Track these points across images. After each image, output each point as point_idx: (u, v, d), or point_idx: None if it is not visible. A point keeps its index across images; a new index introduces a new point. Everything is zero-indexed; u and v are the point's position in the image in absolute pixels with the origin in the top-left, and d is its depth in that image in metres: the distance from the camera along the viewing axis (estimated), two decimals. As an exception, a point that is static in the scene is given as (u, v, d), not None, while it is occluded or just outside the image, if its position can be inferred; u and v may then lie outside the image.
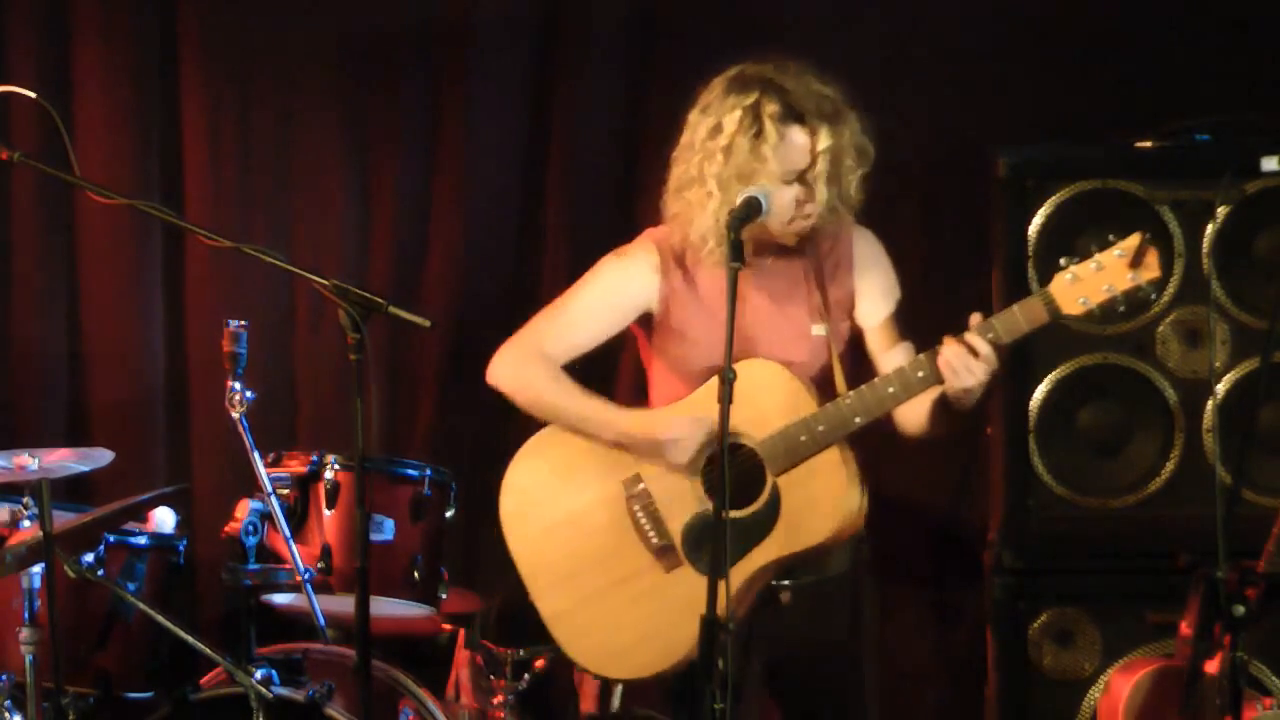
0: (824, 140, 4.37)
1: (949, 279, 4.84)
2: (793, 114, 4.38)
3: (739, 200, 4.30)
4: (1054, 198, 5.71)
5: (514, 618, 5.54)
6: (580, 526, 4.53)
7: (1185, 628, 5.24)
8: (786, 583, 4.48)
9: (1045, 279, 5.57)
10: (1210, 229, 5.67)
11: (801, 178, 4.39)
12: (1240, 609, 4.77)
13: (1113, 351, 5.72)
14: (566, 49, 6.32)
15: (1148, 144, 5.74)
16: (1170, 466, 5.73)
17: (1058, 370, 5.73)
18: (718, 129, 4.42)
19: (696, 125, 4.47)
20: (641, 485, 4.49)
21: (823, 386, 4.44)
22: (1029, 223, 5.70)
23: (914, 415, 4.45)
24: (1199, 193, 5.67)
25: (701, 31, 6.23)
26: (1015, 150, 5.76)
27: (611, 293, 4.54)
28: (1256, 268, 5.72)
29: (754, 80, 4.43)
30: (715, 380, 4.33)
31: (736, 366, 4.31)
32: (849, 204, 4.45)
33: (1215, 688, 4.89)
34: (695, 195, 4.44)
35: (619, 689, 5.64)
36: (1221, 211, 5.64)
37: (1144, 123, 5.79)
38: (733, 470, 4.35)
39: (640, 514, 4.48)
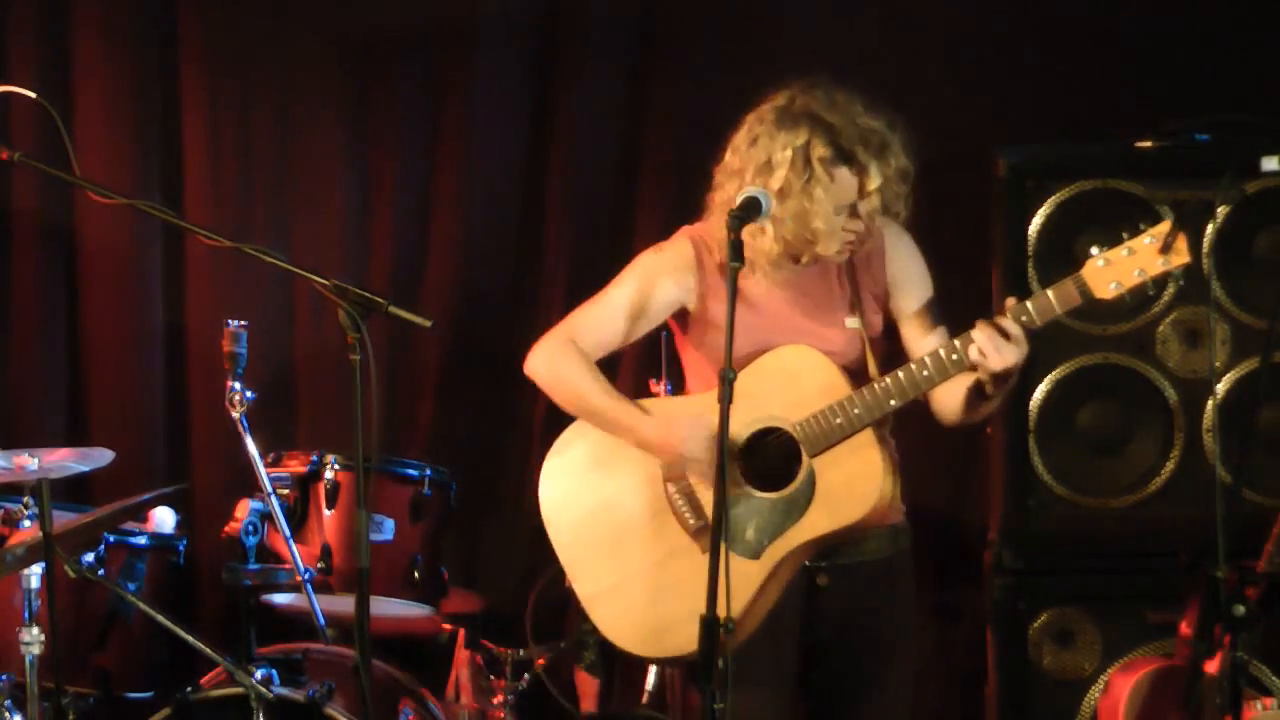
0: (874, 180, 4.44)
1: (949, 279, 4.84)
2: (842, 155, 4.44)
3: (739, 199, 4.32)
4: (1054, 198, 5.71)
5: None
6: (620, 509, 4.58)
7: (1185, 628, 5.24)
8: (824, 564, 4.53)
9: (1045, 279, 5.63)
10: (1210, 229, 5.67)
11: (851, 208, 4.47)
12: (1240, 609, 4.77)
13: (1113, 351, 5.72)
14: (566, 49, 6.32)
15: (1148, 144, 5.74)
16: (1170, 466, 5.73)
17: (1058, 370, 5.73)
18: (768, 166, 4.47)
19: (745, 155, 4.51)
20: (679, 468, 4.54)
21: (858, 377, 4.50)
22: (1029, 223, 5.70)
23: (950, 402, 4.52)
24: (1199, 193, 5.66)
25: (701, 31, 6.24)
26: (1015, 150, 5.76)
27: (649, 289, 4.58)
28: (1256, 268, 5.72)
29: (803, 117, 4.46)
30: (764, 360, 4.49)
31: (776, 352, 4.48)
32: (894, 217, 4.56)
33: (1215, 688, 4.90)
34: None
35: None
36: (1221, 211, 5.64)
37: (1144, 123, 5.79)
38: (770, 452, 4.46)
39: (676, 496, 4.54)
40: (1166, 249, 4.25)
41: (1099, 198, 5.70)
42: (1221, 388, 5.69)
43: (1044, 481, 5.73)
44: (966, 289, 5.64)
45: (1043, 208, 5.70)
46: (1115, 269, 4.27)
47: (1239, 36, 6.06)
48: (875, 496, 4.43)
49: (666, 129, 6.27)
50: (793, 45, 6.09)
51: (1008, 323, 4.31)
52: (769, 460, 4.47)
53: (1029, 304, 4.33)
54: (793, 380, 4.46)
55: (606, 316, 4.60)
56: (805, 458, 4.43)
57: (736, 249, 4.18)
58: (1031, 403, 5.72)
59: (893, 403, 4.41)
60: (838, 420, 4.42)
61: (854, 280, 4.58)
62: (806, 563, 4.52)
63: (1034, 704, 5.75)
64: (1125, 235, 4.28)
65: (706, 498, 4.50)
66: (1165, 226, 4.26)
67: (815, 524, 4.43)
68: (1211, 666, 4.95)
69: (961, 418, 4.53)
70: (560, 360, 4.58)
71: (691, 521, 4.52)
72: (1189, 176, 5.68)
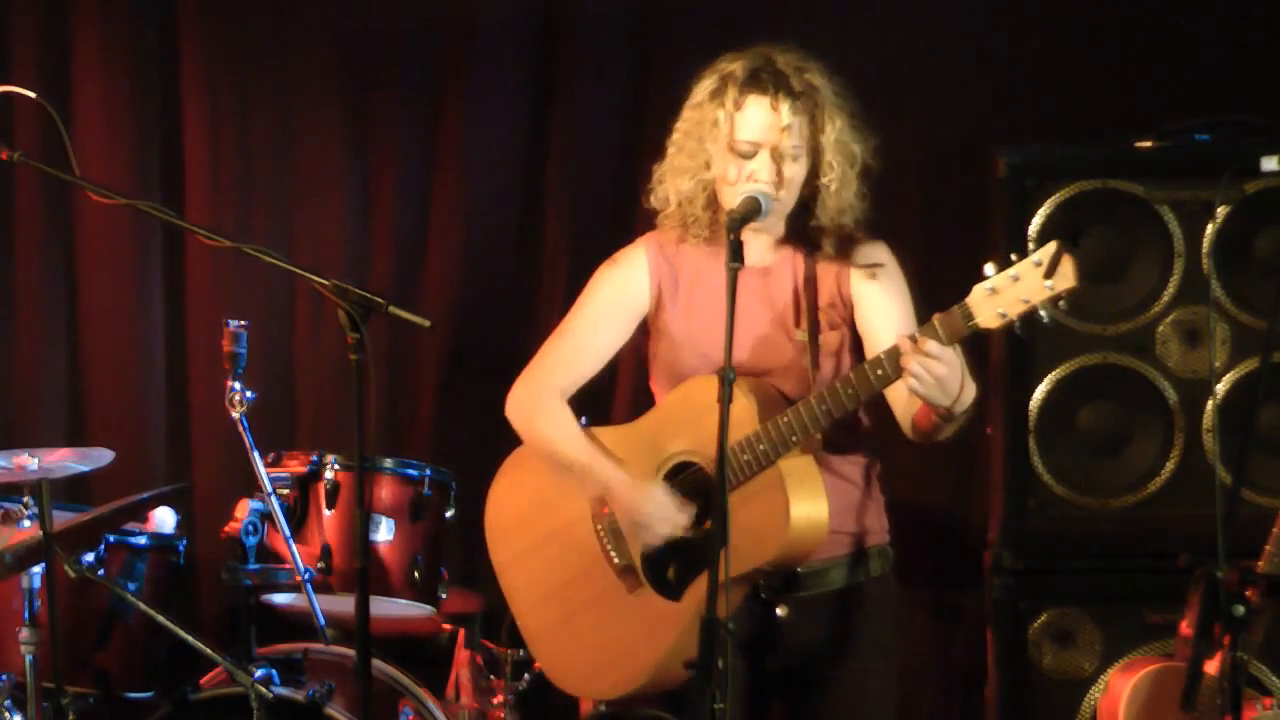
0: (786, 116, 4.26)
1: (949, 279, 4.83)
2: (756, 83, 4.29)
3: (739, 200, 4.27)
4: (1054, 198, 5.71)
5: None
6: (555, 546, 4.50)
7: (1185, 628, 5.24)
8: (785, 595, 4.36)
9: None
10: (1210, 229, 5.67)
11: (760, 154, 4.27)
12: (1240, 609, 4.78)
13: (1113, 351, 5.72)
14: (566, 49, 6.32)
15: (1148, 144, 5.74)
16: (1170, 466, 5.73)
17: (1058, 370, 5.73)
18: (693, 96, 4.39)
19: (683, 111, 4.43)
20: (606, 505, 4.43)
21: (804, 394, 4.28)
22: (1029, 223, 5.70)
23: (904, 423, 4.30)
24: (1199, 193, 5.67)
25: (700, 31, 6.23)
26: (1015, 150, 5.76)
27: (609, 299, 4.45)
28: (1256, 268, 5.73)
29: (740, 54, 4.36)
30: (676, 393, 4.35)
31: (695, 381, 4.32)
32: (838, 210, 4.31)
33: (1215, 688, 4.90)
34: (667, 163, 4.42)
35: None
36: (1221, 211, 5.64)
37: (1144, 123, 5.80)
38: (684, 488, 4.33)
39: (603, 534, 4.43)
40: (1050, 273, 3.88)
41: (1099, 198, 5.70)
42: (1221, 388, 5.70)
43: (1044, 481, 5.73)
44: (966, 289, 5.65)
45: (1043, 208, 5.70)
46: (1001, 297, 3.94)
47: (1239, 36, 6.06)
48: (782, 540, 4.19)
49: (666, 128, 6.26)
50: (793, 45, 6.09)
51: (924, 340, 3.99)
52: (694, 495, 4.31)
53: (916, 331, 4.04)
54: (708, 412, 4.09)
55: (575, 349, 4.46)
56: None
57: (736, 249, 4.06)
58: (1031, 403, 5.72)
59: (794, 439, 4.17)
60: (745, 457, 4.20)
61: (813, 293, 4.35)
62: (762, 595, 4.34)
63: (1034, 704, 5.75)
64: (1014, 258, 3.96)
65: (632, 534, 4.38)
66: (1050, 249, 3.91)
67: (731, 565, 4.13)
68: (1211, 666, 4.95)
69: (918, 439, 4.25)
70: (532, 410, 4.47)
71: (616, 560, 4.41)
72: (1189, 176, 5.68)
